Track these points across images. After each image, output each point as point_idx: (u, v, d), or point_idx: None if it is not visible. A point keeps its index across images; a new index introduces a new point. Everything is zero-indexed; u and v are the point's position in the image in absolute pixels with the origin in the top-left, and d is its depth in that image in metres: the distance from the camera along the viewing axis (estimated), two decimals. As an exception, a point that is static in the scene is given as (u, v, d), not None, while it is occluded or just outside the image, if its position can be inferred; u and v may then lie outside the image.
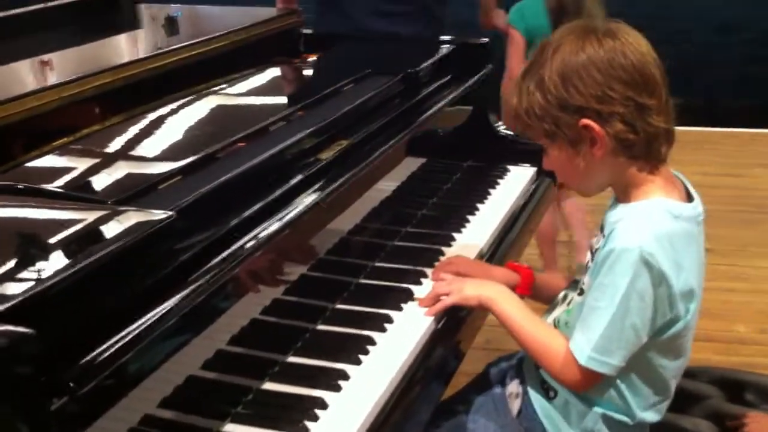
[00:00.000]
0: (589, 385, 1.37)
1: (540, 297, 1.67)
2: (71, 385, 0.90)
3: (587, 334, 1.32)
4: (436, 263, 1.70)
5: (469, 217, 1.96)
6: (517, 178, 2.21)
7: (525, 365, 1.53)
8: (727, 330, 3.04)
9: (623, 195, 1.37)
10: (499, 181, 2.18)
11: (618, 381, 1.37)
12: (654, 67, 1.31)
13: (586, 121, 1.29)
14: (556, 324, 1.47)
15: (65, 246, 0.99)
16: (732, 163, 4.84)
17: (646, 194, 1.34)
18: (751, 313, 3.15)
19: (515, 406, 1.50)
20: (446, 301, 1.50)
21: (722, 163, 4.82)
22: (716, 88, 6.25)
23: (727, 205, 4.10)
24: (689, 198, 1.39)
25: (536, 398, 1.48)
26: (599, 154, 1.31)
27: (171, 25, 2.33)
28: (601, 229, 1.41)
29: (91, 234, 1.04)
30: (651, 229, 1.29)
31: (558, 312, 1.49)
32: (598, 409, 1.40)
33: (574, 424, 1.43)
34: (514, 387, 1.53)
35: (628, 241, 1.28)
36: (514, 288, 1.63)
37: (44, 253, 0.97)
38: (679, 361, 1.41)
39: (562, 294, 1.53)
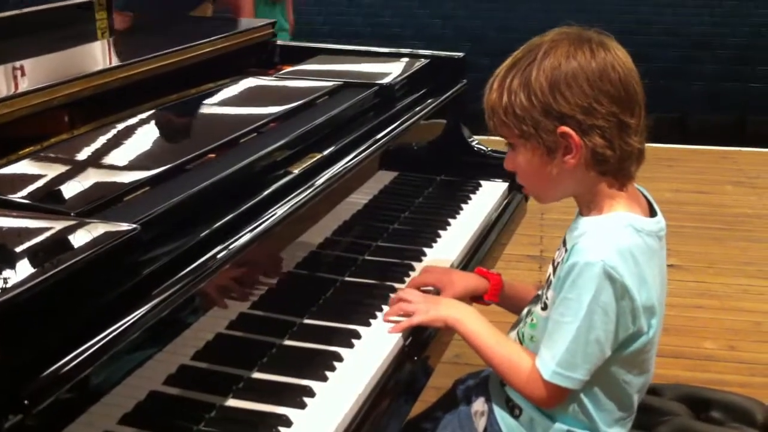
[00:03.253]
0: (556, 401, 1.37)
1: (508, 305, 1.67)
2: (26, 402, 0.88)
3: (552, 349, 1.32)
4: (407, 278, 1.70)
5: (441, 232, 1.96)
6: (490, 193, 2.21)
7: (490, 383, 1.52)
8: (695, 347, 3.06)
9: (586, 208, 1.37)
10: (472, 196, 2.18)
11: (582, 397, 1.37)
12: (637, 84, 1.31)
13: (565, 128, 1.27)
14: (520, 339, 1.47)
15: (25, 259, 0.97)
16: (703, 180, 4.89)
17: (610, 209, 1.34)
18: (719, 330, 3.17)
19: (481, 424, 1.50)
20: (412, 321, 1.49)
21: (693, 180, 4.86)
22: (689, 104, 6.31)
23: (697, 222, 4.14)
24: (652, 213, 1.39)
25: (501, 416, 1.47)
26: (572, 163, 1.30)
27: (147, 34, 2.32)
28: (564, 243, 1.40)
29: (52, 246, 1.02)
30: (613, 243, 1.29)
31: (521, 326, 1.49)
32: (562, 426, 1.40)
33: None
34: (479, 405, 1.52)
35: (590, 255, 1.28)
36: (482, 294, 1.64)
37: (2, 265, 0.95)
38: (643, 377, 1.41)
39: (525, 310, 1.52)
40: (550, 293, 1.38)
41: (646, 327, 1.33)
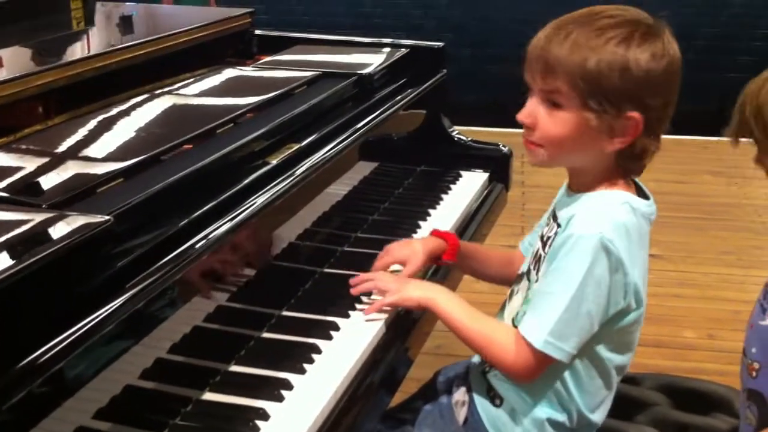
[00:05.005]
0: (538, 373, 1.35)
1: (467, 265, 1.68)
2: (-5, 398, 0.86)
3: (541, 318, 1.31)
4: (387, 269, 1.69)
5: (421, 223, 1.95)
6: (470, 184, 2.21)
7: (472, 373, 1.52)
8: (675, 336, 3.07)
9: (584, 186, 1.37)
10: (452, 186, 2.18)
11: (566, 377, 1.37)
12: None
13: (635, 114, 1.27)
14: (515, 321, 1.44)
15: (-6, 252, 0.96)
16: (683, 170, 4.91)
17: (608, 188, 1.35)
18: (699, 319, 3.19)
19: (461, 414, 1.49)
20: (385, 300, 1.49)
21: (673, 170, 4.88)
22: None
23: (676, 211, 4.16)
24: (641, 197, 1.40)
25: (482, 406, 1.47)
26: (616, 146, 1.30)
27: (125, 24, 2.29)
28: (554, 217, 1.40)
29: (23, 239, 1.00)
30: (611, 217, 1.29)
31: (515, 306, 1.47)
32: (543, 415, 1.40)
33: (518, 430, 1.42)
34: (460, 395, 1.52)
35: (588, 227, 1.28)
36: (440, 256, 1.63)
37: (-29, 259, 0.94)
38: (626, 356, 1.41)
39: (509, 291, 1.52)
40: (544, 267, 1.37)
41: (635, 304, 1.34)
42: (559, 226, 1.35)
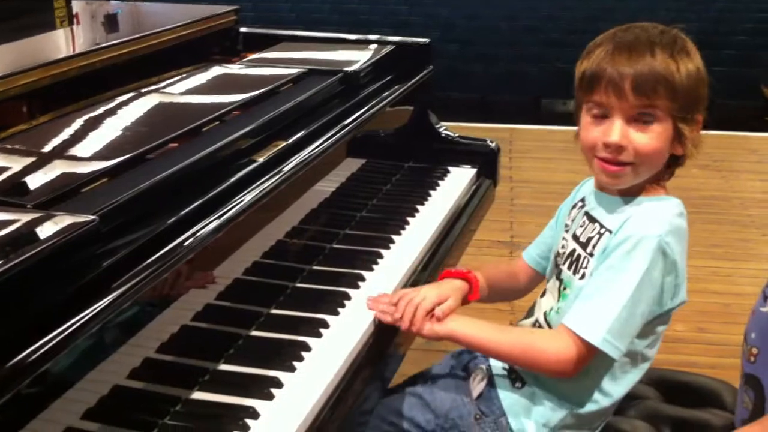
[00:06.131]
0: (582, 367, 1.34)
1: (488, 295, 1.62)
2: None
3: (598, 315, 1.31)
4: (375, 266, 1.68)
5: (409, 219, 1.94)
6: (458, 179, 2.21)
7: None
8: (666, 329, 3.08)
9: (634, 189, 1.39)
10: (440, 182, 2.17)
11: (603, 372, 1.39)
12: None
13: (700, 116, 1.36)
14: (546, 316, 1.46)
15: (-22, 253, 0.95)
16: (670, 164, 4.93)
17: (658, 191, 1.39)
18: (689, 313, 3.19)
19: (477, 389, 1.49)
20: (396, 322, 1.45)
21: (661, 164, 4.90)
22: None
23: (665, 205, 4.17)
24: None
25: (502, 385, 1.47)
26: (683, 151, 1.37)
27: (110, 22, 2.28)
28: (590, 219, 1.42)
29: (8, 240, 0.99)
30: (668, 220, 1.34)
31: (546, 304, 1.47)
32: (566, 404, 1.41)
33: (536, 414, 1.43)
34: (479, 372, 1.52)
35: (648, 229, 1.31)
36: (467, 296, 1.55)
37: (-45, 260, 0.93)
38: (655, 350, 1.44)
39: (538, 301, 1.52)
40: (592, 263, 1.37)
41: (677, 303, 1.38)
42: (602, 227, 1.38)
